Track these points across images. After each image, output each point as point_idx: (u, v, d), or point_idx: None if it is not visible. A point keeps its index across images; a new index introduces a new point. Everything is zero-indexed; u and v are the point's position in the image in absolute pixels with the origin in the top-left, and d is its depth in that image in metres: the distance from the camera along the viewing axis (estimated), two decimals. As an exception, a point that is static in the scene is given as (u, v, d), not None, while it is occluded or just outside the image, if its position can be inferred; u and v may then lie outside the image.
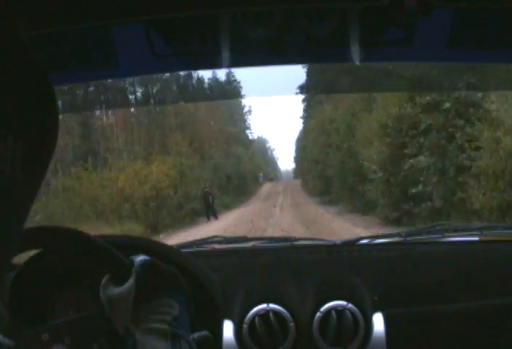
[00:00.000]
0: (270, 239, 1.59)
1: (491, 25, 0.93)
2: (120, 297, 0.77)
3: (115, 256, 0.80)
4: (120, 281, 0.78)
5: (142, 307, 0.78)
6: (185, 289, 0.87)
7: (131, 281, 0.77)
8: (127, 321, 0.77)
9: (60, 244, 0.84)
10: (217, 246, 1.53)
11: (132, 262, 0.81)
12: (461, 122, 10.40)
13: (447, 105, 10.50)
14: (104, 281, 0.80)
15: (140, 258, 0.83)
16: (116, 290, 0.77)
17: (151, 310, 0.79)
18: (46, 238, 0.81)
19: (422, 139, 11.12)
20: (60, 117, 0.49)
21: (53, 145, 0.47)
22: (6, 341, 0.75)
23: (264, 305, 1.18)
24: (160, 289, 0.82)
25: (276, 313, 1.17)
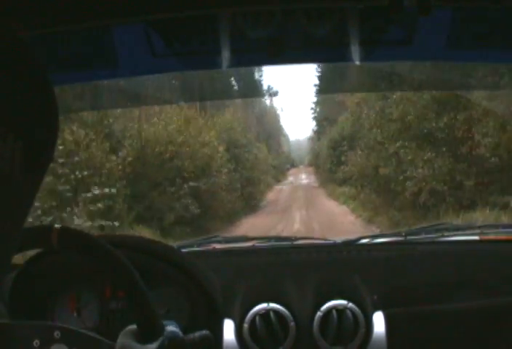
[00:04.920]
0: (270, 239, 1.59)
1: (490, 24, 0.93)
2: None
3: (152, 316, 0.80)
4: (143, 339, 0.78)
5: None
6: None
7: (153, 346, 0.77)
8: None
9: (93, 261, 0.84)
10: (217, 246, 1.53)
11: (163, 328, 0.81)
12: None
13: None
14: (128, 328, 0.80)
15: (172, 329, 0.83)
16: (135, 345, 0.77)
17: None
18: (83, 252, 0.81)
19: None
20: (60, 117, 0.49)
21: (53, 145, 0.47)
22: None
23: (264, 305, 1.18)
24: None
25: (276, 312, 1.17)
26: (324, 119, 25.51)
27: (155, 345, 0.77)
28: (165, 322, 0.83)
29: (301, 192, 21.86)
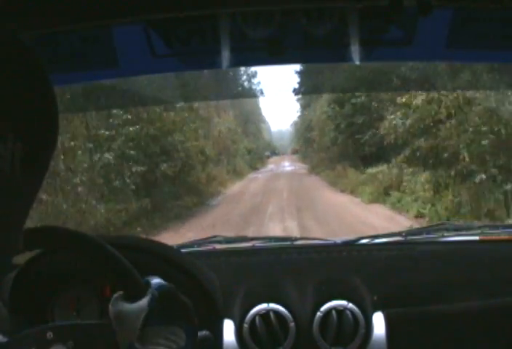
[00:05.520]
0: (270, 239, 1.59)
1: (490, 24, 0.93)
2: (130, 314, 0.77)
3: (131, 275, 0.80)
4: (133, 298, 0.79)
5: (151, 330, 0.78)
6: (195, 322, 0.87)
7: (144, 301, 0.78)
8: (133, 338, 0.77)
9: (72, 250, 0.85)
10: (217, 246, 1.53)
11: (148, 283, 0.81)
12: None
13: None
14: (115, 296, 0.80)
15: (158, 281, 0.83)
16: (127, 306, 0.78)
17: (159, 335, 0.79)
18: (61, 241, 0.81)
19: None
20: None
21: (53, 145, 0.47)
22: (1, 338, 0.75)
23: (264, 305, 1.18)
24: (172, 317, 0.82)
25: (276, 312, 1.17)
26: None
27: (146, 299, 0.78)
28: (148, 277, 0.83)
29: (284, 181, 14.21)
